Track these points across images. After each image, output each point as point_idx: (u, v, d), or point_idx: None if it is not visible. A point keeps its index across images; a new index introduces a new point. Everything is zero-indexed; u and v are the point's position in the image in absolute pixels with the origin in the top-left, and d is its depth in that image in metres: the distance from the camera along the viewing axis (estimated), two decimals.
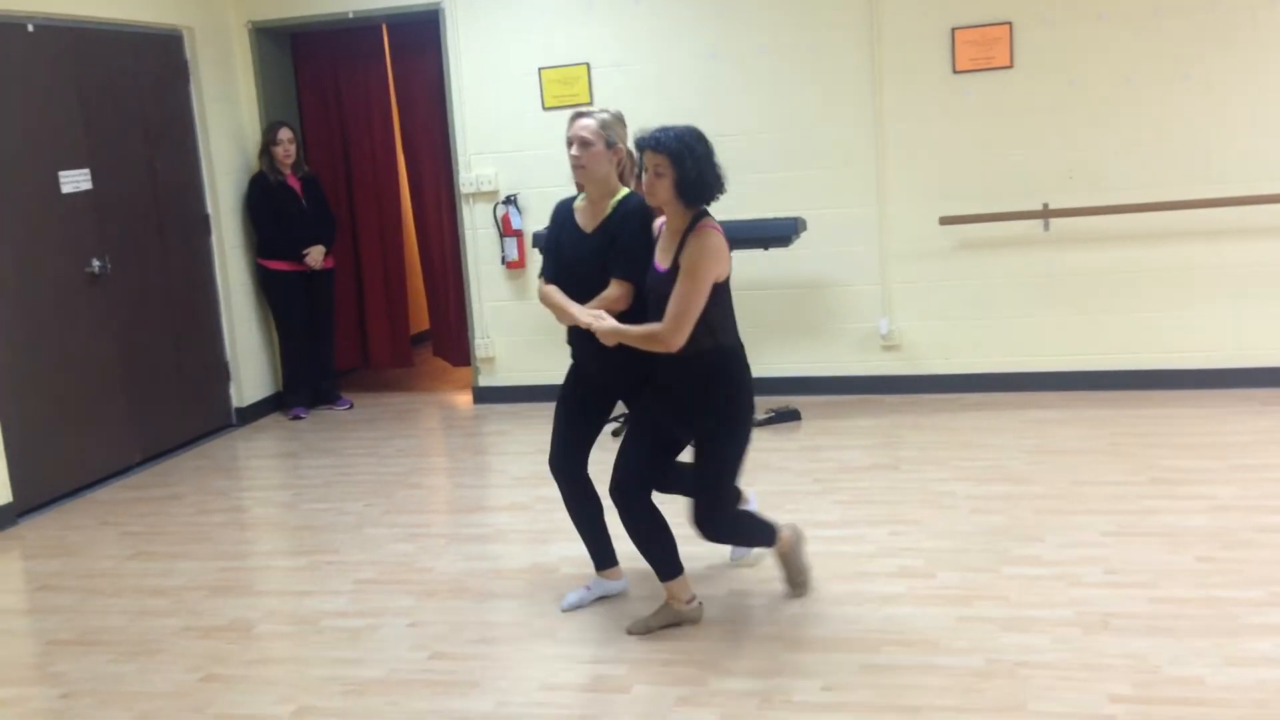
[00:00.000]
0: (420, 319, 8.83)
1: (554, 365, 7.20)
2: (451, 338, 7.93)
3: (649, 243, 3.77)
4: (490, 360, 7.37)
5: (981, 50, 6.28)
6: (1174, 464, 5.11)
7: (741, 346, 3.76)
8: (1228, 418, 5.75)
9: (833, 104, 6.55)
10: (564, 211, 3.98)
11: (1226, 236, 6.17)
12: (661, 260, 3.69)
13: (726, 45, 6.64)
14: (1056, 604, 3.78)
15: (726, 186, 3.65)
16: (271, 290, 7.35)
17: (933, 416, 6.22)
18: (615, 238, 3.77)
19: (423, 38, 7.35)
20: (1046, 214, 6.29)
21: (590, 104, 6.82)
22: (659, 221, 3.79)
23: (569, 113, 7.34)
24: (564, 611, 4.03)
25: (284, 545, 5.08)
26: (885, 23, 6.42)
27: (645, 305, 3.72)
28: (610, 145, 3.79)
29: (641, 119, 6.86)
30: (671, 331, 3.54)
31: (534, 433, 6.63)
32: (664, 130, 3.58)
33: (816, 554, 4.28)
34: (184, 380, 6.83)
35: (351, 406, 7.59)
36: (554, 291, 3.84)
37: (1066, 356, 6.48)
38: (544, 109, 6.97)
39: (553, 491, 5.44)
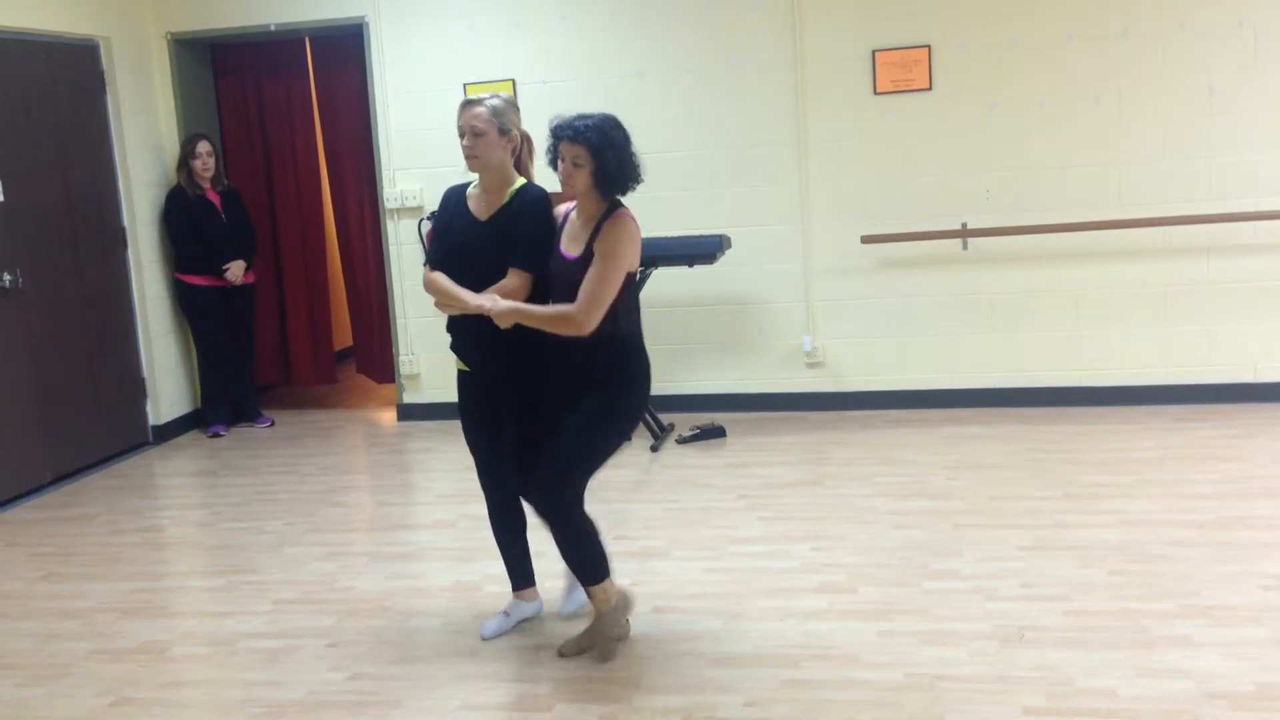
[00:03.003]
0: (343, 335, 8.73)
1: None
2: (375, 354, 7.85)
3: (551, 234, 3.69)
4: (415, 377, 7.31)
5: (901, 72, 6.40)
6: (1087, 479, 5.22)
7: (641, 336, 3.70)
8: (1139, 434, 5.89)
9: (757, 123, 6.62)
10: (455, 198, 3.86)
11: (1139, 256, 6.33)
12: (571, 248, 3.62)
13: (652, 65, 6.68)
14: (974, 617, 3.84)
15: (644, 176, 3.60)
16: (190, 305, 7.22)
17: (855, 433, 6.29)
18: (513, 227, 3.67)
19: (347, 52, 7.29)
20: (965, 233, 6.41)
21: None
22: (562, 208, 3.73)
23: None
24: (485, 640, 3.96)
25: (200, 565, 4.98)
26: (808, 44, 6.51)
27: (544, 293, 3.65)
28: (504, 132, 3.68)
29: None
30: (585, 313, 3.47)
31: (460, 449, 6.52)
32: (582, 119, 3.51)
33: (740, 570, 4.30)
34: (98, 397, 6.67)
35: (272, 424, 7.48)
36: (440, 277, 3.71)
37: (984, 374, 6.61)
38: None
39: (478, 509, 5.41)
